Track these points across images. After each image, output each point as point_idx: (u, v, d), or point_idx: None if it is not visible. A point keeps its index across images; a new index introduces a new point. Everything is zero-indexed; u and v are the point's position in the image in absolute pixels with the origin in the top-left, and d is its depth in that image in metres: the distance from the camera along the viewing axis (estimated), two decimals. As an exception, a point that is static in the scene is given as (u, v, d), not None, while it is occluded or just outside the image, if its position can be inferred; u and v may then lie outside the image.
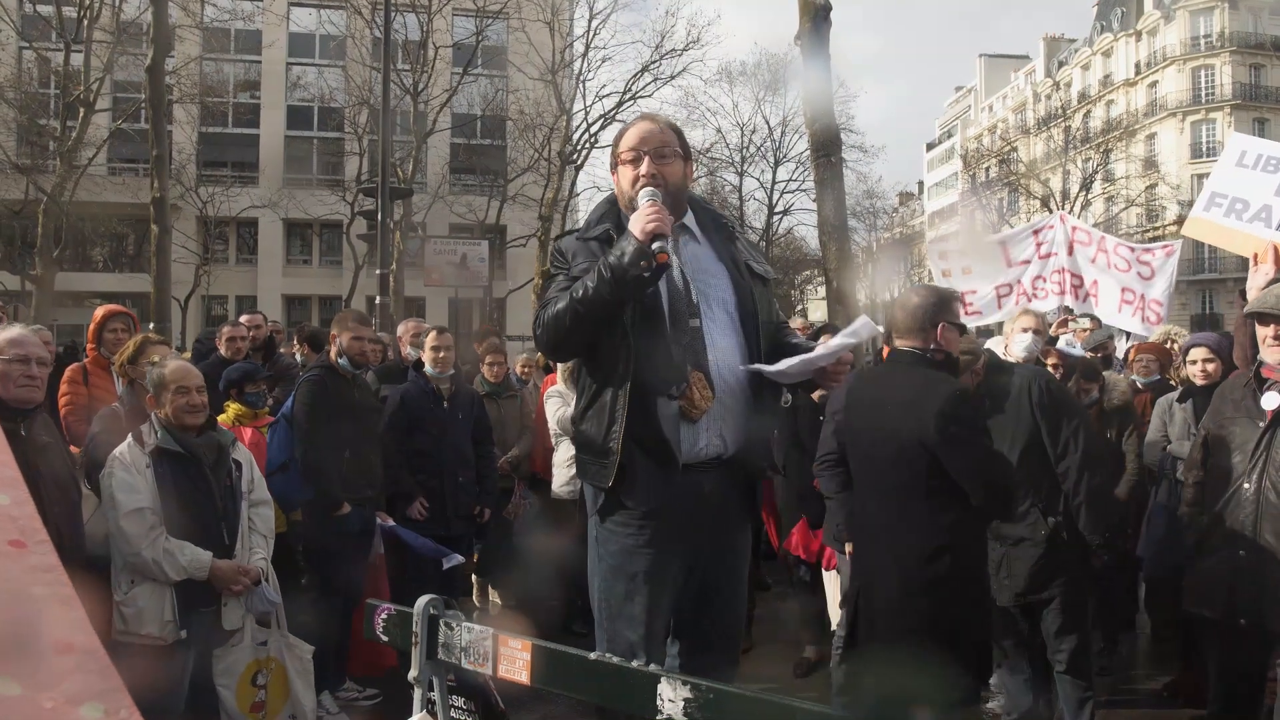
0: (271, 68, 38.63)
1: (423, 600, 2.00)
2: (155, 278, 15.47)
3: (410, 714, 2.01)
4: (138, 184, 31.75)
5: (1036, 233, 7.73)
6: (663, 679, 1.63)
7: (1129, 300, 7.22)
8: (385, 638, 2.12)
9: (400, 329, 6.76)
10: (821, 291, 10.28)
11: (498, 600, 6.77)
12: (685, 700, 1.58)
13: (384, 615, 2.13)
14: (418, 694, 2.00)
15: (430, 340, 5.51)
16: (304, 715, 3.92)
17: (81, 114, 20.94)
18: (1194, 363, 5.05)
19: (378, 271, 13.79)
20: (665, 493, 2.59)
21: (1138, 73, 45.97)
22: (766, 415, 2.80)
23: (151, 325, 13.19)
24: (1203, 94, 43.59)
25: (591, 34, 30.20)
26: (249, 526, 3.90)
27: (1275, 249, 3.91)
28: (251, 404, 5.07)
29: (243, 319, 7.03)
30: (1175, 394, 5.30)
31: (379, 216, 13.78)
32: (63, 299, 25.79)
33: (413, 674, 1.99)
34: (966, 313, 7.49)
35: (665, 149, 2.69)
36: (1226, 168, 4.53)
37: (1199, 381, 5.01)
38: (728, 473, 2.69)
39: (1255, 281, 3.82)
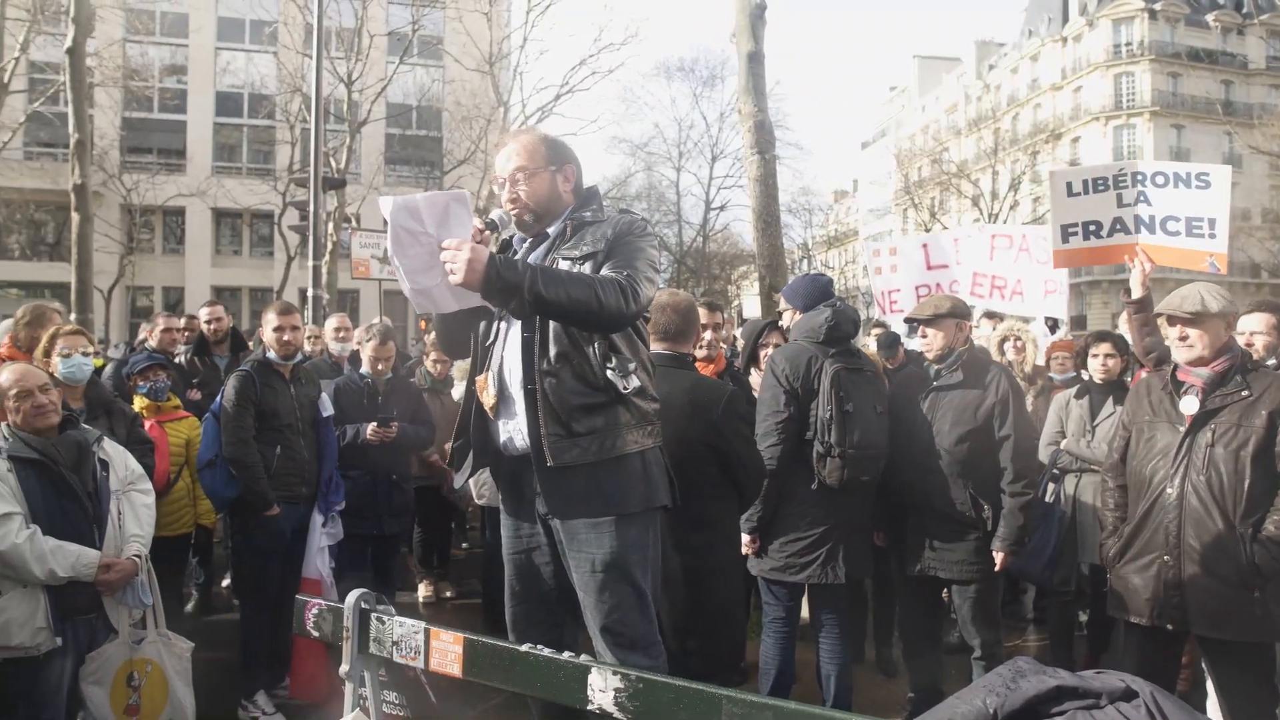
0: (199, 53, 37.56)
1: (354, 595, 1.99)
2: (76, 267, 14.94)
3: (343, 712, 2.01)
4: (57, 169, 30.61)
5: (956, 240, 8.01)
6: (593, 669, 1.66)
7: (1051, 289, 7.55)
8: (316, 633, 2.12)
9: (327, 325, 6.68)
10: (757, 287, 10.42)
11: (432, 594, 6.71)
12: (615, 690, 1.61)
13: (315, 610, 2.12)
14: (349, 689, 1.99)
15: (370, 348, 5.46)
16: (183, 716, 3.75)
17: (-4, 95, 20.07)
18: (1095, 356, 5.11)
19: (310, 263, 13.50)
20: None
21: (1063, 77, 47.31)
22: None
23: (74, 316, 12.75)
24: (1124, 99, 45.04)
25: (529, 26, 30.03)
26: (118, 524, 3.65)
27: (1142, 249, 4.53)
28: (150, 396, 5.16)
29: (202, 310, 6.91)
30: (1073, 390, 5.30)
31: (311, 207, 13.47)
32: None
33: (344, 669, 1.99)
34: (890, 310, 7.73)
35: (518, 174, 2.90)
36: (1061, 201, 4.95)
37: (1098, 377, 5.13)
38: None
39: (1135, 277, 4.29)
